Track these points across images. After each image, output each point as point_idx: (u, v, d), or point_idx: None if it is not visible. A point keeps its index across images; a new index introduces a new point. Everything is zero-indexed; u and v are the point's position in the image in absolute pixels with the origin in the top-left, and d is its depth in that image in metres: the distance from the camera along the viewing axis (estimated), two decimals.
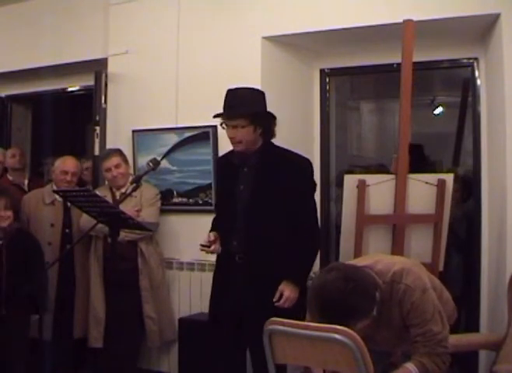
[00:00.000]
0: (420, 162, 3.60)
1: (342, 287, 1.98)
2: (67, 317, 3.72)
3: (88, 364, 3.91)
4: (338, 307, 1.97)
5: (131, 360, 3.70)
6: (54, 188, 3.71)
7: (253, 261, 2.66)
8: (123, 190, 3.63)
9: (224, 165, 2.92)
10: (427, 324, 2.10)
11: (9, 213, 3.28)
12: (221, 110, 2.73)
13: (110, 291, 3.59)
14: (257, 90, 2.77)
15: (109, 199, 3.53)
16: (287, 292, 2.62)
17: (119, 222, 2.92)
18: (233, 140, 2.70)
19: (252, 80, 3.67)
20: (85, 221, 3.47)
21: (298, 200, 2.68)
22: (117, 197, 3.60)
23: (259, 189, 2.69)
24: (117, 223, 2.91)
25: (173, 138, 3.92)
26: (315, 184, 2.84)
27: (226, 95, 2.71)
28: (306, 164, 2.79)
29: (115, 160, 3.68)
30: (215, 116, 2.74)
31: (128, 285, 3.57)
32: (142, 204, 3.64)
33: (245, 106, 2.65)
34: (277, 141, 3.67)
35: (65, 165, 3.82)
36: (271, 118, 2.75)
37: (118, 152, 3.75)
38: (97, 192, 3.60)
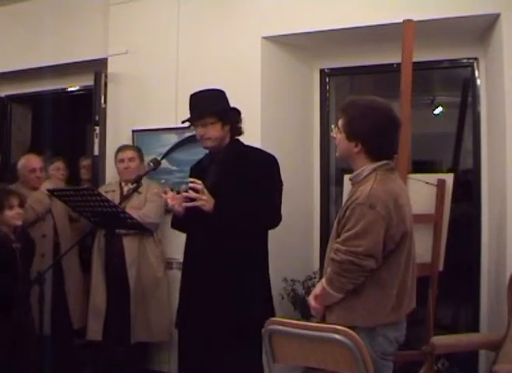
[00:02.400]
0: None
1: None
2: (64, 309, 3.75)
3: (88, 364, 3.91)
4: None
5: (131, 359, 3.70)
6: (46, 189, 3.61)
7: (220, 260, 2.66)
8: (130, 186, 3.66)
9: (195, 168, 2.95)
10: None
11: (21, 210, 3.25)
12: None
13: (110, 289, 3.59)
14: (218, 90, 2.83)
15: (117, 194, 3.62)
16: (207, 196, 2.58)
17: (118, 221, 2.92)
18: (202, 137, 2.75)
19: (252, 80, 3.69)
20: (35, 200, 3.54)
21: (262, 195, 2.64)
22: (125, 192, 3.66)
23: (223, 184, 2.70)
24: (114, 222, 2.90)
25: (173, 138, 3.93)
26: (281, 182, 2.78)
27: (190, 99, 2.78)
28: (271, 160, 2.78)
29: (130, 153, 3.77)
30: (183, 122, 2.80)
31: (128, 284, 3.58)
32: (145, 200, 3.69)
33: (210, 104, 2.73)
34: (277, 140, 3.70)
35: (31, 162, 3.81)
36: (237, 114, 2.82)
37: (136, 148, 3.85)
38: (106, 187, 3.74)
